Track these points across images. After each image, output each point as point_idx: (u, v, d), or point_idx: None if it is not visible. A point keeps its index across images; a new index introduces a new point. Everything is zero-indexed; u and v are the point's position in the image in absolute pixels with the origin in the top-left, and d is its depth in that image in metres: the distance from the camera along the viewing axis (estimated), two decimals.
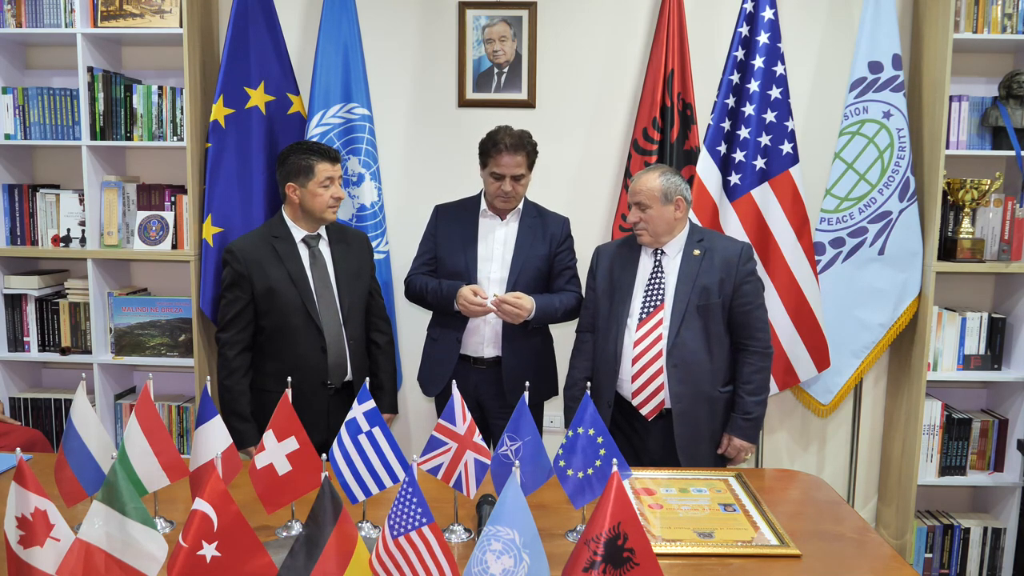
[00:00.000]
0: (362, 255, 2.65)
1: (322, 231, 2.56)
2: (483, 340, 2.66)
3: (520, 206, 2.69)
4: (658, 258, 2.44)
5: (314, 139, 2.98)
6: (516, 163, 2.56)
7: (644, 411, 2.40)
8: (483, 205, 2.71)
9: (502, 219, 2.69)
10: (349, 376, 2.56)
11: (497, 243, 2.67)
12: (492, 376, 2.66)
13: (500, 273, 2.65)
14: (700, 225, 2.76)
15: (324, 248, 2.56)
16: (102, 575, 1.26)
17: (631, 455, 2.46)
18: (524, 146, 2.57)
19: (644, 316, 2.40)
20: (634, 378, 2.39)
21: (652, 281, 2.43)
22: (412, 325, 3.28)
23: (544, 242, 2.67)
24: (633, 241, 2.50)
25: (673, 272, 2.41)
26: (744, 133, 2.97)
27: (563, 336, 2.84)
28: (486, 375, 2.67)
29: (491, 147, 2.58)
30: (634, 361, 2.39)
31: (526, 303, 2.55)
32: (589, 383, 2.51)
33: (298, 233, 2.52)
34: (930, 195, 3.00)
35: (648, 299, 2.41)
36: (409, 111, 3.29)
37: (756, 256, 2.66)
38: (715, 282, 2.37)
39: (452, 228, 2.72)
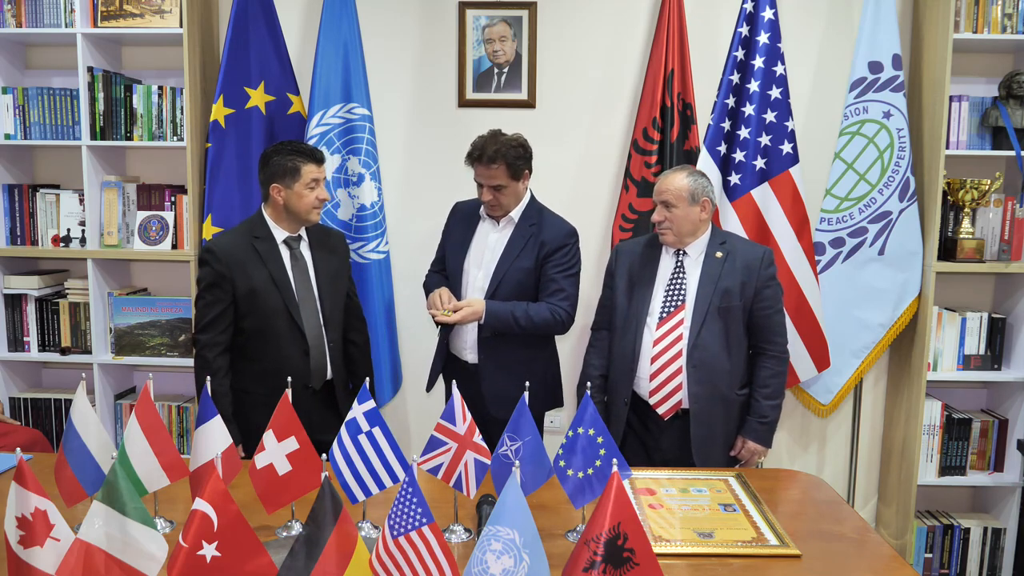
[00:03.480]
0: (341, 256, 2.60)
1: (303, 232, 2.51)
2: (465, 344, 2.61)
3: (519, 210, 2.59)
4: (680, 259, 2.43)
5: (314, 139, 2.99)
6: (491, 175, 2.47)
7: (660, 410, 2.39)
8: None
9: (497, 223, 2.60)
10: (329, 376, 2.52)
11: (488, 249, 2.59)
12: (473, 379, 2.59)
13: (483, 281, 2.57)
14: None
15: (305, 250, 2.50)
16: (102, 575, 1.26)
17: (643, 454, 2.46)
18: (500, 158, 2.45)
19: (664, 315, 2.40)
20: (652, 377, 2.39)
21: (673, 281, 2.42)
22: (413, 325, 3.29)
23: (532, 253, 2.53)
24: (654, 240, 2.49)
25: (695, 273, 2.41)
26: (744, 133, 2.97)
27: (566, 348, 2.82)
28: (465, 376, 2.59)
29: (471, 154, 2.51)
30: (653, 360, 2.38)
31: (467, 313, 2.46)
32: (601, 382, 2.48)
33: (279, 234, 2.46)
34: (930, 195, 3.00)
35: (669, 299, 2.41)
36: (409, 111, 3.29)
37: None
38: (736, 285, 2.37)
39: (458, 228, 2.69)
